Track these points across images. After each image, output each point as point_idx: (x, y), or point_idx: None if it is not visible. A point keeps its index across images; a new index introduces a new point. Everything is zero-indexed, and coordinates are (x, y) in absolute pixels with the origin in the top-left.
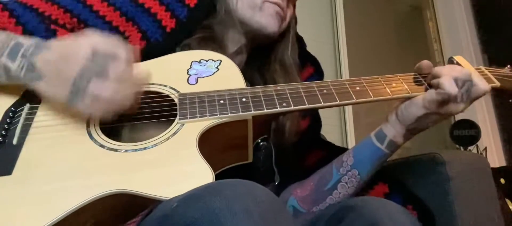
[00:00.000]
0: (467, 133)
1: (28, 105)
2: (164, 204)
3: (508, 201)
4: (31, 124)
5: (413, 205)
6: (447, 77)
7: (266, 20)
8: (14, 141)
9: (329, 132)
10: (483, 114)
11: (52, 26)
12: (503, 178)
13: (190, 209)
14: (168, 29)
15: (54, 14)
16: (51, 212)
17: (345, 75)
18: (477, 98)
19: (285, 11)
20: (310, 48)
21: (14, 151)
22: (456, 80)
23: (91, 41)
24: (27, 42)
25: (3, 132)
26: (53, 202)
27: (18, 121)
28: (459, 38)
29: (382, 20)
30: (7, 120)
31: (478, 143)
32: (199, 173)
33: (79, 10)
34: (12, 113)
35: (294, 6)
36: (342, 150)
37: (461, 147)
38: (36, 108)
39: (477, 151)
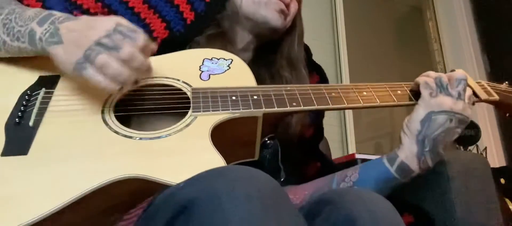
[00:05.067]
0: (467, 133)
1: (43, 89)
2: (173, 186)
3: (508, 201)
4: (46, 107)
5: (408, 211)
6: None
7: (271, 13)
8: (31, 123)
9: (329, 132)
10: (483, 114)
11: (74, 13)
12: (503, 178)
13: (193, 188)
14: (188, 21)
15: None
16: (66, 192)
17: (345, 75)
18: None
19: (289, 7)
20: (310, 48)
21: (30, 132)
22: (451, 78)
23: (118, 19)
24: (60, 13)
25: (19, 113)
26: (68, 183)
27: (34, 104)
28: (459, 38)
29: (382, 20)
30: (23, 102)
31: (478, 143)
32: (213, 163)
33: None
34: (28, 96)
35: (299, 2)
36: (334, 166)
37: (461, 147)
38: (52, 92)
39: (477, 151)
